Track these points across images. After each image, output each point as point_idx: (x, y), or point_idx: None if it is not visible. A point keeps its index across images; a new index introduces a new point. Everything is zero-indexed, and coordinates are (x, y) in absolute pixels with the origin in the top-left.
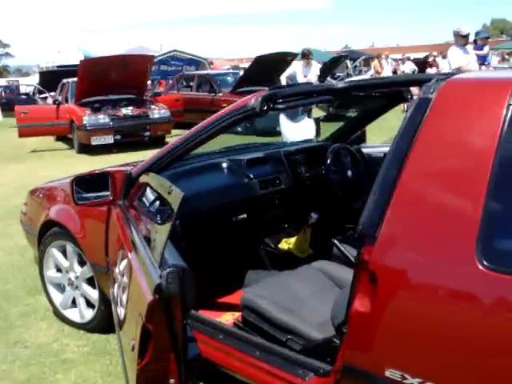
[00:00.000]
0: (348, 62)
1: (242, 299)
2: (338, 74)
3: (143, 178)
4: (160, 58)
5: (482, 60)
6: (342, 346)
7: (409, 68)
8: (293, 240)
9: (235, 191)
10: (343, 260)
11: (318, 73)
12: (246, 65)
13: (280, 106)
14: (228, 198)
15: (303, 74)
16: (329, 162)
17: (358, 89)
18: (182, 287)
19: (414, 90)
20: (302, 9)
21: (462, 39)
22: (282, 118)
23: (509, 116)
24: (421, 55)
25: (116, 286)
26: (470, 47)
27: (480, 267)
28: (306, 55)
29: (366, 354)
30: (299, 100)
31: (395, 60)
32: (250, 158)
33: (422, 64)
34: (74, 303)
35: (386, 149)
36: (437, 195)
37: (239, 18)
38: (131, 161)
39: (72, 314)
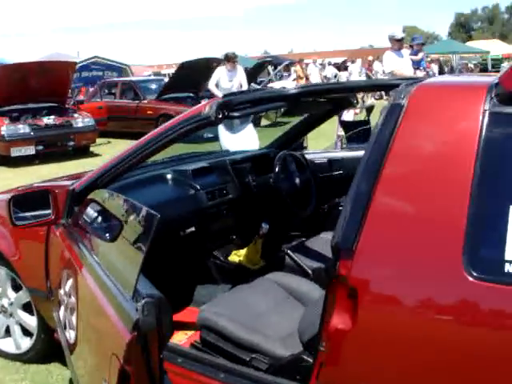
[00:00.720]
0: (269, 67)
1: (198, 318)
2: (261, 80)
3: (94, 195)
4: (81, 64)
5: (417, 65)
6: (317, 364)
7: (330, 72)
8: (243, 252)
9: (182, 204)
10: (297, 270)
11: (245, 77)
12: (168, 71)
13: (235, 114)
14: (175, 212)
15: (228, 78)
16: (277, 169)
17: (311, 94)
18: (159, 319)
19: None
20: (225, 16)
21: (396, 43)
22: (221, 128)
23: (486, 120)
24: (338, 60)
25: (62, 308)
26: (406, 52)
27: (468, 277)
28: (231, 58)
29: (346, 373)
30: (253, 107)
31: (320, 64)
32: (195, 168)
33: (343, 68)
34: (7, 332)
35: (329, 154)
36: (417, 204)
37: (159, 24)
38: (56, 172)
39: (6, 345)
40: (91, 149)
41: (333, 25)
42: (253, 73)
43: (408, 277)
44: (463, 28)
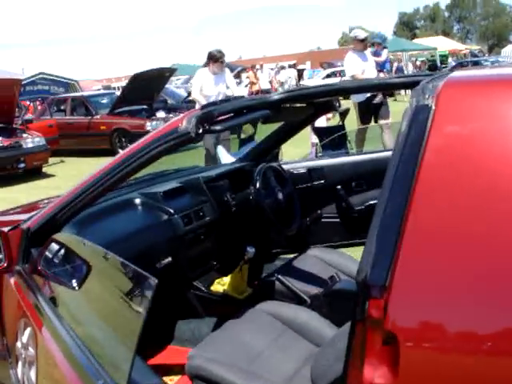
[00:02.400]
0: None
1: (189, 367)
2: None
3: (59, 238)
4: (26, 81)
5: (381, 67)
6: None
7: (284, 77)
8: (227, 280)
9: (155, 232)
10: (289, 296)
11: (234, 82)
12: (118, 84)
13: (217, 128)
14: (148, 242)
15: (214, 84)
16: (258, 185)
17: (296, 99)
18: None
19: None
20: (176, 26)
21: (359, 44)
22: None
23: None
24: (290, 63)
25: (20, 364)
26: (369, 52)
27: None
28: (218, 58)
29: None
30: (236, 118)
31: (271, 69)
32: (166, 189)
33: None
34: None
35: (308, 164)
36: (468, 224)
37: (106, 37)
38: (5, 197)
39: None
40: (44, 169)
41: (280, 29)
42: None
43: (466, 317)
44: (407, 27)
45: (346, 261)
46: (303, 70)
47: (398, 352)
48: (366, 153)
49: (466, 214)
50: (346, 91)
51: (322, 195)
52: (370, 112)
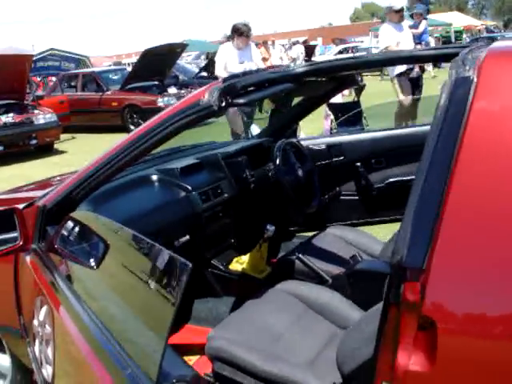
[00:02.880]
0: None
1: (208, 348)
2: None
3: (77, 216)
4: (37, 57)
5: (419, 39)
6: None
7: (296, 52)
8: (246, 258)
9: (173, 209)
10: (310, 275)
11: (260, 58)
12: (128, 60)
13: (240, 101)
14: (166, 220)
15: (238, 60)
16: (278, 161)
17: (320, 72)
18: None
19: None
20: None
21: (395, 15)
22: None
23: None
24: (301, 39)
25: (37, 341)
26: (406, 24)
27: None
28: (244, 32)
29: None
30: (259, 91)
31: (282, 45)
32: (183, 165)
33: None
34: None
35: (327, 140)
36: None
37: (114, 13)
38: (20, 174)
39: None
40: (55, 146)
41: (292, 4)
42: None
43: (509, 299)
44: (421, 2)
45: (366, 240)
46: (315, 45)
47: (436, 338)
48: (385, 129)
49: (510, 194)
50: (373, 64)
51: (341, 172)
52: (411, 85)
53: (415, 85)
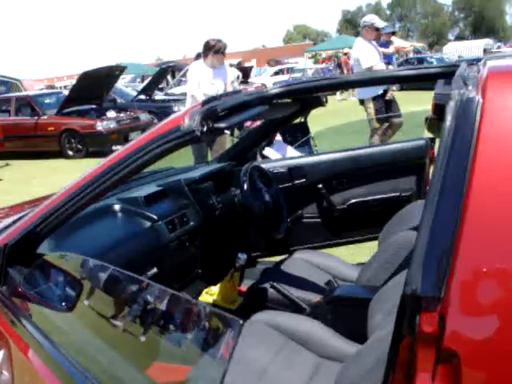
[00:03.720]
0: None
1: None
2: (160, 87)
3: (49, 257)
4: None
5: (388, 59)
6: None
7: (232, 75)
8: (217, 289)
9: (139, 241)
10: (283, 304)
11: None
12: (60, 83)
13: (222, 125)
14: (132, 252)
15: (211, 79)
16: (246, 186)
17: (295, 93)
18: None
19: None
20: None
21: (372, 33)
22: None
23: None
24: (233, 61)
25: None
26: (375, 43)
27: None
28: (220, 49)
29: None
30: (238, 114)
31: None
32: (146, 194)
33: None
34: None
35: (288, 162)
36: None
37: (43, 36)
38: None
39: None
40: None
41: (224, 26)
42: (156, 80)
43: None
44: (350, 24)
45: (336, 263)
46: (251, 67)
47: (460, 371)
48: (346, 150)
49: None
50: (350, 84)
51: (303, 195)
52: (385, 107)
53: (389, 107)
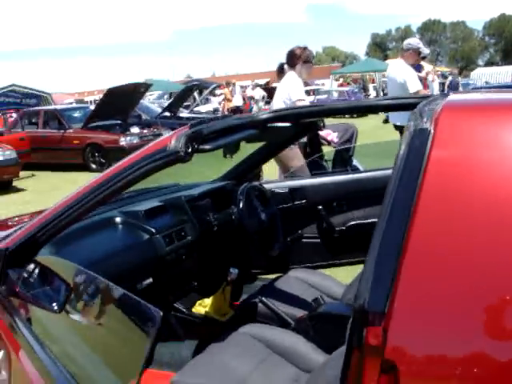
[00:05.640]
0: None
1: None
2: (187, 104)
3: (41, 259)
4: None
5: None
6: None
7: (258, 94)
8: (209, 301)
9: (136, 252)
10: (272, 318)
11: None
12: (90, 98)
13: (207, 147)
14: (129, 262)
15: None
16: (241, 205)
17: (283, 118)
18: None
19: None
20: (147, 42)
21: (415, 57)
22: None
23: None
24: (262, 81)
25: None
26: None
27: None
28: (308, 57)
29: None
30: (224, 137)
31: (242, 87)
32: (147, 208)
33: (272, 89)
34: None
35: (289, 183)
36: (470, 250)
37: (79, 50)
38: None
39: None
40: (14, 183)
41: (254, 46)
42: (181, 97)
43: (471, 343)
44: (379, 48)
45: (328, 282)
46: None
47: (398, 381)
48: (347, 173)
49: (467, 240)
50: (335, 112)
51: (303, 215)
52: None
53: None
